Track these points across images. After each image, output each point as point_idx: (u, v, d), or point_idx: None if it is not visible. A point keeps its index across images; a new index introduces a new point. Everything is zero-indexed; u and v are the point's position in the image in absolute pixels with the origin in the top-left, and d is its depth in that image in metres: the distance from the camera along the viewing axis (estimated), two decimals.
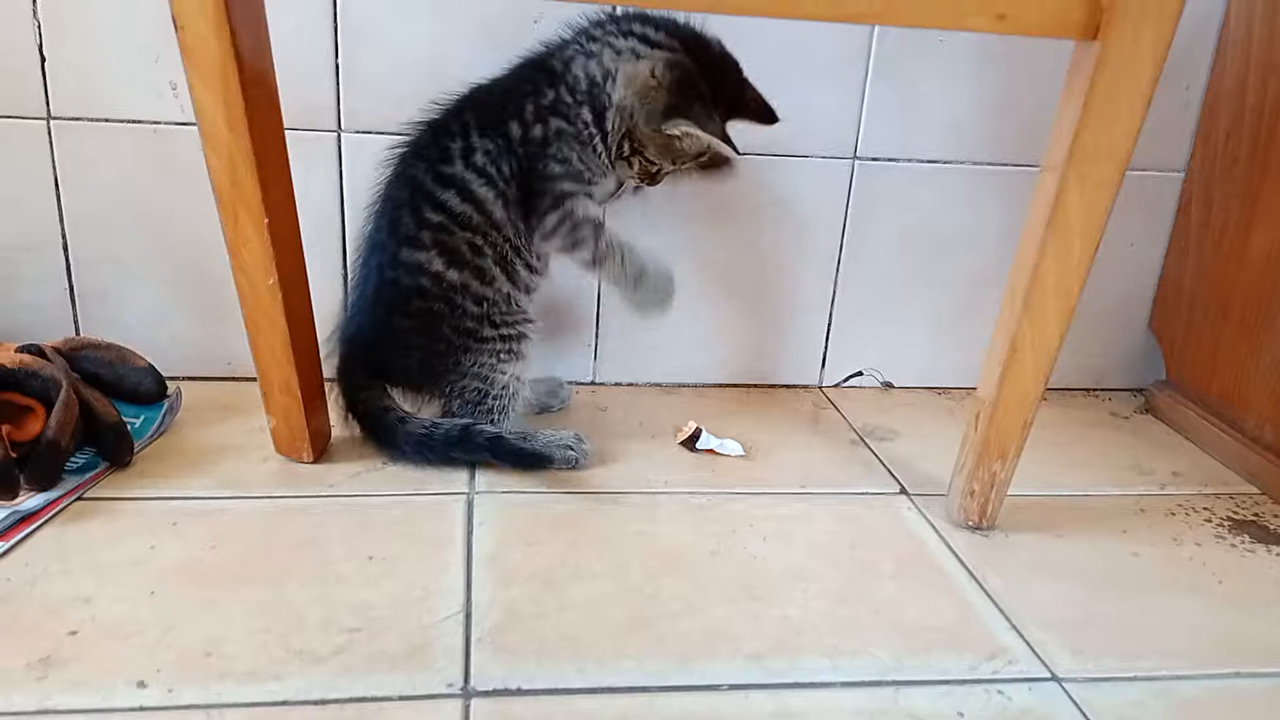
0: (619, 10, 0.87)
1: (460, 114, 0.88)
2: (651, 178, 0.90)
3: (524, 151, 0.86)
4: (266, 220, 0.75)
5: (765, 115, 0.87)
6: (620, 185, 0.92)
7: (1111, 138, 0.71)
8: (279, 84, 0.78)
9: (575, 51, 0.86)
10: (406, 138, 0.89)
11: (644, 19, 0.85)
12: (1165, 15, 0.66)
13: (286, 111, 0.79)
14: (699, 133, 0.83)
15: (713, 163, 0.90)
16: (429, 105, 0.89)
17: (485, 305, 0.88)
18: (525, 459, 0.88)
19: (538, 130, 0.85)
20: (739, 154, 0.84)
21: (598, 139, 0.86)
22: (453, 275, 0.87)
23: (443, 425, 0.89)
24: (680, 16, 0.86)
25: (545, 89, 0.86)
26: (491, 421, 0.90)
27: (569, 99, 0.85)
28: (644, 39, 0.84)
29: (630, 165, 0.88)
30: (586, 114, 0.86)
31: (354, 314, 0.92)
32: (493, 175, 0.86)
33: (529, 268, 0.90)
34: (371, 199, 0.90)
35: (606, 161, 0.88)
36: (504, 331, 0.89)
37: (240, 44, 0.69)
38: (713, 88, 0.84)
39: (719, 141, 0.84)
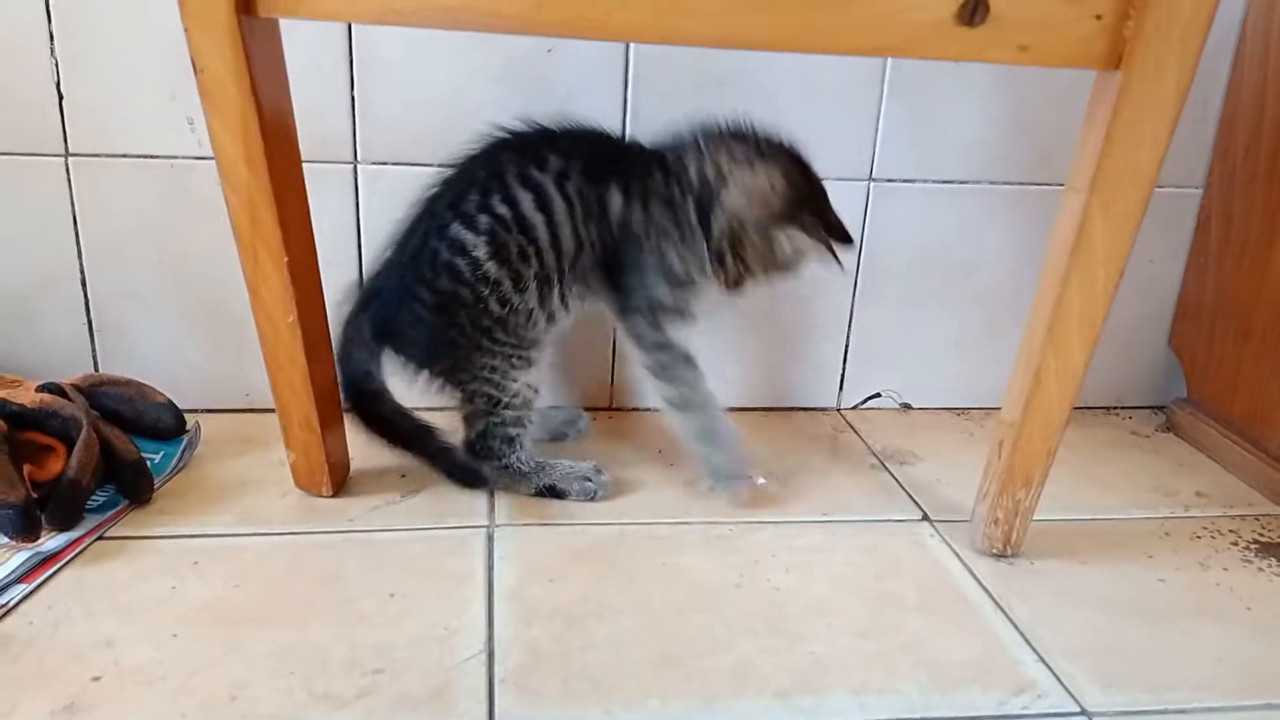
0: (728, 123, 0.89)
1: (572, 138, 0.89)
2: (737, 284, 0.92)
3: (617, 229, 0.88)
4: (286, 259, 0.75)
5: (844, 235, 0.89)
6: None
7: (1135, 166, 0.70)
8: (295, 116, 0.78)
9: (689, 151, 0.89)
10: (511, 127, 0.89)
11: (753, 132, 0.89)
12: (1189, 44, 0.66)
13: (303, 142, 0.79)
14: (808, 239, 0.86)
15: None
16: (553, 116, 0.89)
17: (508, 309, 0.87)
18: (467, 474, 0.89)
19: (636, 212, 0.87)
20: (844, 268, 0.88)
21: (700, 234, 0.88)
22: (490, 268, 0.85)
23: (410, 418, 0.92)
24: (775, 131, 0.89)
25: (656, 173, 0.88)
26: (508, 439, 0.89)
27: (678, 189, 0.88)
28: (757, 149, 0.88)
29: (723, 266, 0.90)
30: (692, 208, 0.88)
31: (384, 268, 0.90)
32: (576, 215, 0.87)
33: (563, 302, 0.90)
34: (448, 166, 0.89)
35: (702, 258, 0.89)
36: (516, 340, 0.89)
37: (259, 86, 0.69)
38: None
39: (826, 250, 0.87)
